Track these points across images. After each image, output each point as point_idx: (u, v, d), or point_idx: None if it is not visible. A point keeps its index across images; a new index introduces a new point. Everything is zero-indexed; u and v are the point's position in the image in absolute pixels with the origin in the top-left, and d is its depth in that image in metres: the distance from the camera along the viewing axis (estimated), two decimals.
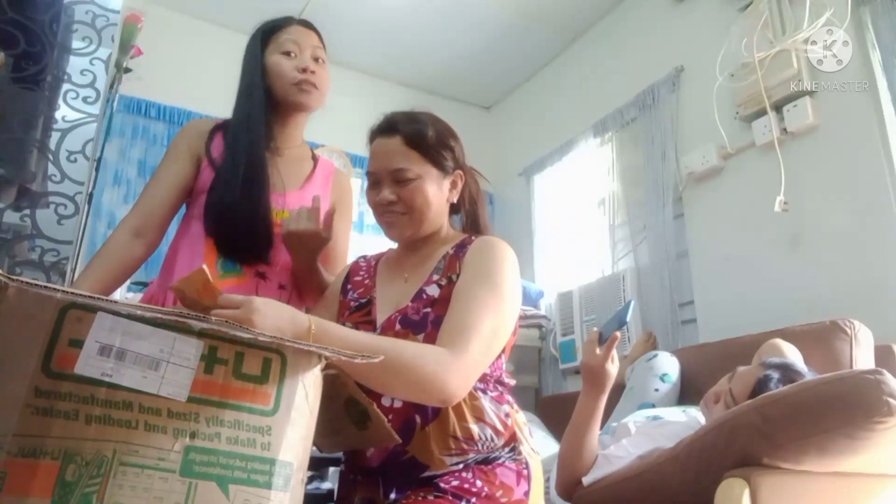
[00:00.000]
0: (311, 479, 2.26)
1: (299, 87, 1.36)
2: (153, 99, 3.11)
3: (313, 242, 1.29)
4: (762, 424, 1.16)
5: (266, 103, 1.37)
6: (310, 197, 1.42)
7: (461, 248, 1.10)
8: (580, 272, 3.20)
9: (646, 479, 1.36)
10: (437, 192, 1.12)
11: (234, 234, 1.30)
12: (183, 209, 1.43)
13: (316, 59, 1.40)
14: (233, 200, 1.29)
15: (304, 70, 1.36)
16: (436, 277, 1.08)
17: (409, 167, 1.09)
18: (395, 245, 1.23)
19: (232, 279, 1.32)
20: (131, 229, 1.31)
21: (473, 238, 1.12)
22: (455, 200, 1.17)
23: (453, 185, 1.16)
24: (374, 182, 1.13)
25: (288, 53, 1.37)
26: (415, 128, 1.12)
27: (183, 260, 1.34)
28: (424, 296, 1.06)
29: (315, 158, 1.52)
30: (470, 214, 1.22)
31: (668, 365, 2.10)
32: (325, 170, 1.52)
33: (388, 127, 1.13)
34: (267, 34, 1.40)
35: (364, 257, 1.27)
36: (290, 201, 1.39)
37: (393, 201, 1.10)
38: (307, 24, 1.43)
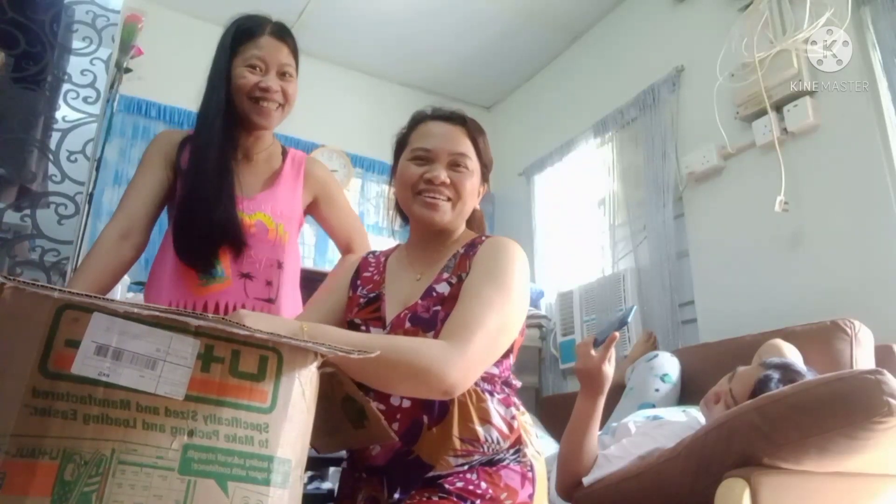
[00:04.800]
0: (311, 480, 2.26)
1: (257, 105, 1.36)
2: (153, 99, 3.12)
3: None
4: (762, 424, 1.16)
5: (228, 112, 1.36)
6: (280, 195, 1.44)
7: (471, 247, 1.10)
8: (580, 272, 3.21)
9: (646, 479, 1.36)
10: (476, 191, 1.15)
11: (202, 245, 1.32)
12: (165, 219, 1.45)
13: (282, 75, 1.38)
14: (198, 214, 1.31)
15: (266, 90, 1.35)
16: (446, 275, 1.07)
17: (469, 156, 1.12)
18: (402, 242, 1.23)
19: (216, 285, 1.34)
20: (117, 232, 1.32)
21: (484, 238, 1.12)
22: (477, 207, 1.19)
23: (479, 193, 1.18)
24: (425, 158, 1.11)
25: (253, 68, 1.36)
26: (477, 126, 1.17)
27: (166, 272, 1.36)
28: (434, 293, 1.05)
29: (285, 153, 1.52)
30: (477, 228, 1.23)
31: (669, 365, 2.10)
32: (296, 162, 1.51)
33: (455, 116, 1.16)
34: (237, 41, 1.38)
35: (373, 253, 1.25)
36: (260, 203, 1.40)
37: (446, 182, 1.09)
38: (280, 35, 1.40)
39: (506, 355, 1.04)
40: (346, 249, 1.61)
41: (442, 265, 1.10)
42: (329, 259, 3.27)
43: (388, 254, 1.23)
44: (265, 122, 1.39)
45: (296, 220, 1.48)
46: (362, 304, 1.13)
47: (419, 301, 1.05)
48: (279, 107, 1.38)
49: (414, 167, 1.11)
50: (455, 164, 1.10)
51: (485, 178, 1.17)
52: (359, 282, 1.18)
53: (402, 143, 1.18)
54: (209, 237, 1.31)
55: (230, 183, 1.35)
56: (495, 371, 1.03)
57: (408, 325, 1.02)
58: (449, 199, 1.09)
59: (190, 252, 1.32)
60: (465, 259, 1.07)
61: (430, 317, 1.02)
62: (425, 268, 1.12)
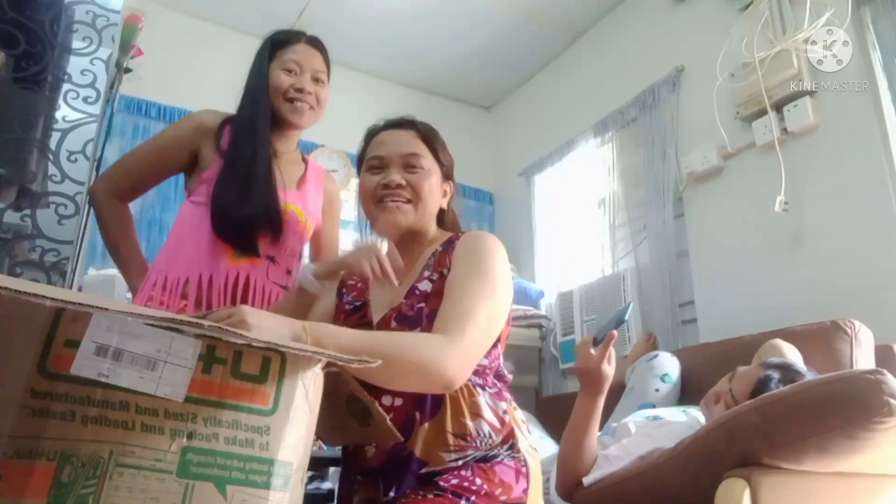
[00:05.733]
0: (311, 479, 2.26)
1: (292, 105, 1.45)
2: (153, 99, 3.12)
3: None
4: (762, 424, 1.16)
5: (267, 111, 1.44)
6: (308, 196, 1.53)
7: (449, 244, 1.11)
8: (580, 272, 3.20)
9: (646, 478, 1.36)
10: (438, 190, 1.16)
11: (246, 228, 1.37)
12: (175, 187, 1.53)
13: (316, 80, 1.48)
14: (241, 197, 1.36)
15: (301, 90, 1.44)
16: (427, 273, 1.09)
17: (423, 155, 1.14)
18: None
19: (246, 259, 1.39)
20: (118, 195, 1.48)
21: (461, 234, 1.14)
22: (445, 207, 1.20)
23: (444, 193, 1.20)
24: (380, 167, 1.13)
25: (289, 71, 1.45)
26: (429, 127, 1.18)
27: (199, 242, 1.39)
28: (417, 291, 1.07)
29: (305, 160, 1.60)
30: (451, 228, 1.24)
31: (669, 365, 2.10)
32: (316, 171, 1.61)
33: (402, 121, 1.18)
34: (275, 47, 1.48)
35: None
36: (290, 198, 1.47)
37: (402, 184, 1.11)
38: (314, 44, 1.51)
39: (493, 345, 1.06)
40: (316, 258, 1.70)
41: (422, 265, 1.12)
42: None
43: None
44: (298, 121, 1.47)
45: (315, 222, 1.57)
46: (349, 311, 1.16)
47: (403, 300, 1.07)
48: (311, 108, 1.47)
49: (370, 177, 1.14)
50: (410, 166, 1.12)
51: (447, 176, 1.19)
52: (344, 290, 1.21)
53: (360, 160, 1.21)
54: (254, 219, 1.37)
55: (273, 171, 1.43)
56: (485, 362, 1.05)
57: (394, 324, 1.05)
58: (409, 201, 1.12)
59: (231, 232, 1.37)
60: (444, 256, 1.09)
61: (415, 314, 1.04)
62: (405, 272, 1.13)
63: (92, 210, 1.56)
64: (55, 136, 1.55)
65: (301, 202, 1.49)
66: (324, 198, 1.61)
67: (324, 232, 1.65)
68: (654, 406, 1.97)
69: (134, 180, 1.49)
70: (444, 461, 0.98)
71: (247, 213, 1.36)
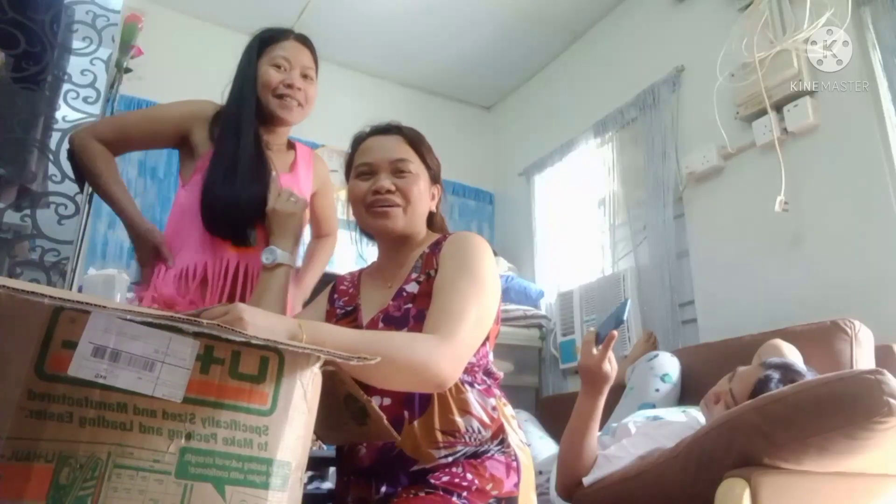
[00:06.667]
0: (311, 479, 2.26)
1: (281, 101, 1.45)
2: (153, 99, 3.10)
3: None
4: (762, 424, 1.16)
5: (256, 107, 1.45)
6: (300, 178, 1.55)
7: (436, 245, 1.13)
8: (580, 272, 3.20)
9: (646, 479, 1.36)
10: (426, 194, 1.18)
11: (233, 219, 1.37)
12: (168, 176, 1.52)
13: (304, 77, 1.48)
14: (225, 190, 1.36)
15: (290, 86, 1.45)
16: (414, 275, 1.11)
17: (410, 160, 1.15)
18: (374, 258, 1.26)
19: (244, 249, 1.40)
20: (106, 143, 1.42)
21: (447, 236, 1.16)
22: (434, 210, 1.22)
23: (433, 196, 1.22)
24: (369, 173, 1.15)
25: (278, 67, 1.46)
26: (415, 132, 1.20)
27: (195, 234, 1.39)
28: (404, 293, 1.09)
29: (293, 146, 1.61)
30: (439, 231, 1.25)
31: (669, 365, 2.10)
32: (305, 156, 1.62)
33: (389, 127, 1.20)
34: (263, 44, 1.48)
35: (351, 273, 1.31)
36: (284, 182, 1.49)
37: (391, 190, 1.13)
38: (303, 41, 1.51)
39: (482, 343, 1.07)
40: (319, 236, 1.75)
41: (410, 267, 1.13)
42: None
43: (361, 271, 1.28)
44: (288, 117, 1.48)
45: (308, 204, 1.56)
46: (339, 315, 1.17)
47: (391, 302, 1.09)
48: (300, 105, 1.48)
49: (360, 183, 1.16)
50: (398, 171, 1.14)
51: (434, 180, 1.21)
52: (335, 295, 1.23)
53: (349, 167, 1.22)
54: (245, 212, 1.37)
55: (263, 160, 1.43)
56: (473, 360, 1.06)
57: (381, 325, 1.07)
58: (398, 205, 1.13)
59: (219, 225, 1.37)
60: (431, 257, 1.11)
61: (402, 315, 1.06)
62: (395, 276, 1.16)
63: (83, 190, 1.54)
64: (55, 136, 1.56)
65: (296, 185, 1.51)
66: (316, 180, 1.63)
67: (320, 209, 1.68)
68: (654, 406, 1.97)
69: (117, 133, 1.45)
70: (434, 458, 0.99)
71: (231, 204, 1.36)
